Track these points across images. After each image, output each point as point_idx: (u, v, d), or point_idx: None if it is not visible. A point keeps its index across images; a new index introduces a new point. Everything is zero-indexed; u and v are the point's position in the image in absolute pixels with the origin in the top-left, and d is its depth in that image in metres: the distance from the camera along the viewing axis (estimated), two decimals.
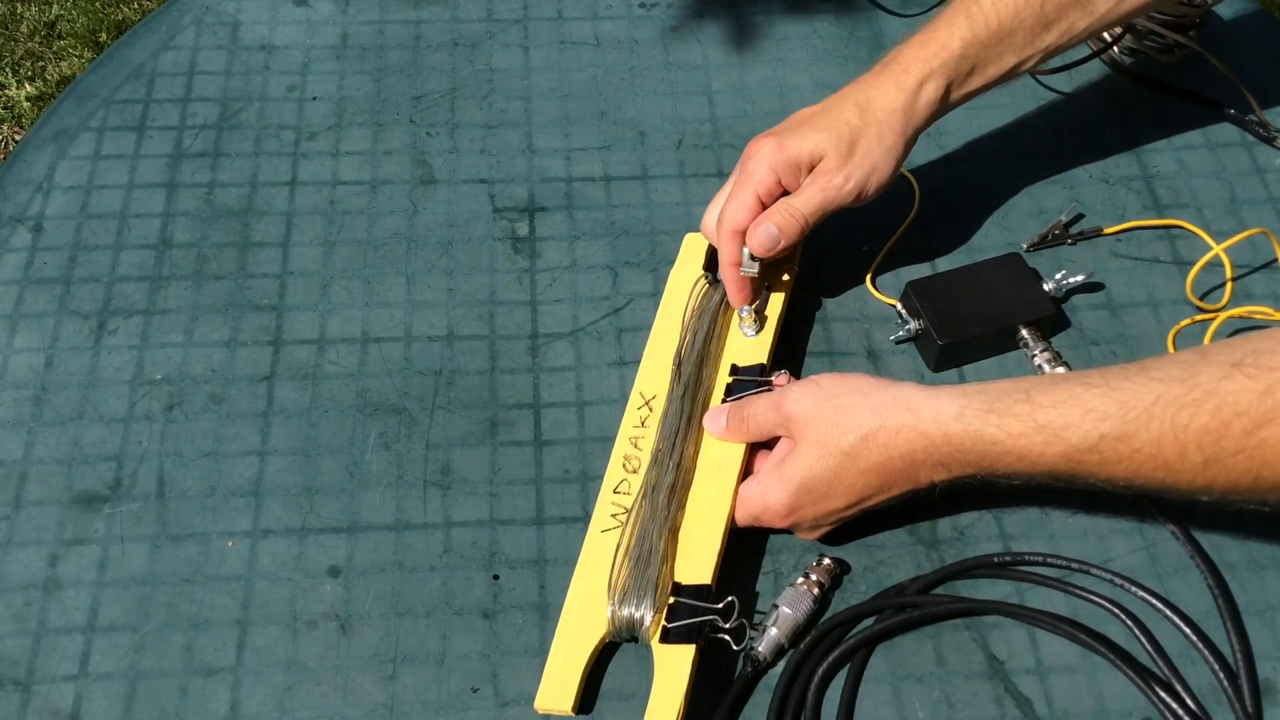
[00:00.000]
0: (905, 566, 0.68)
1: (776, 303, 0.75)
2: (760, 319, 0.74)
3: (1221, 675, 0.63)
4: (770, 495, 0.64)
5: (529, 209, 0.82)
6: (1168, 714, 0.62)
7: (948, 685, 0.64)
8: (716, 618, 0.63)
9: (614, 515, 0.67)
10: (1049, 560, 0.67)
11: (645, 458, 0.69)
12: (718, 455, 0.68)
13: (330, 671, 0.64)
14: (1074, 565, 0.67)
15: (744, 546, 0.68)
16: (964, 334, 0.73)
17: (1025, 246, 0.80)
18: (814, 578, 0.65)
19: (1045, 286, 0.75)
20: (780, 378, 0.71)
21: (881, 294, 0.78)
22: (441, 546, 0.68)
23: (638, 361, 0.75)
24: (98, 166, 0.83)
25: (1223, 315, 0.77)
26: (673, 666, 0.61)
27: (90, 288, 0.77)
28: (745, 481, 0.67)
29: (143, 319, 0.76)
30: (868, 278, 0.79)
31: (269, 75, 0.89)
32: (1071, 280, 0.76)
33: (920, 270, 0.79)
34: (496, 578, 0.67)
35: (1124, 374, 0.55)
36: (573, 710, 0.61)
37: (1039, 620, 0.65)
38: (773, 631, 0.64)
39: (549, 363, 0.75)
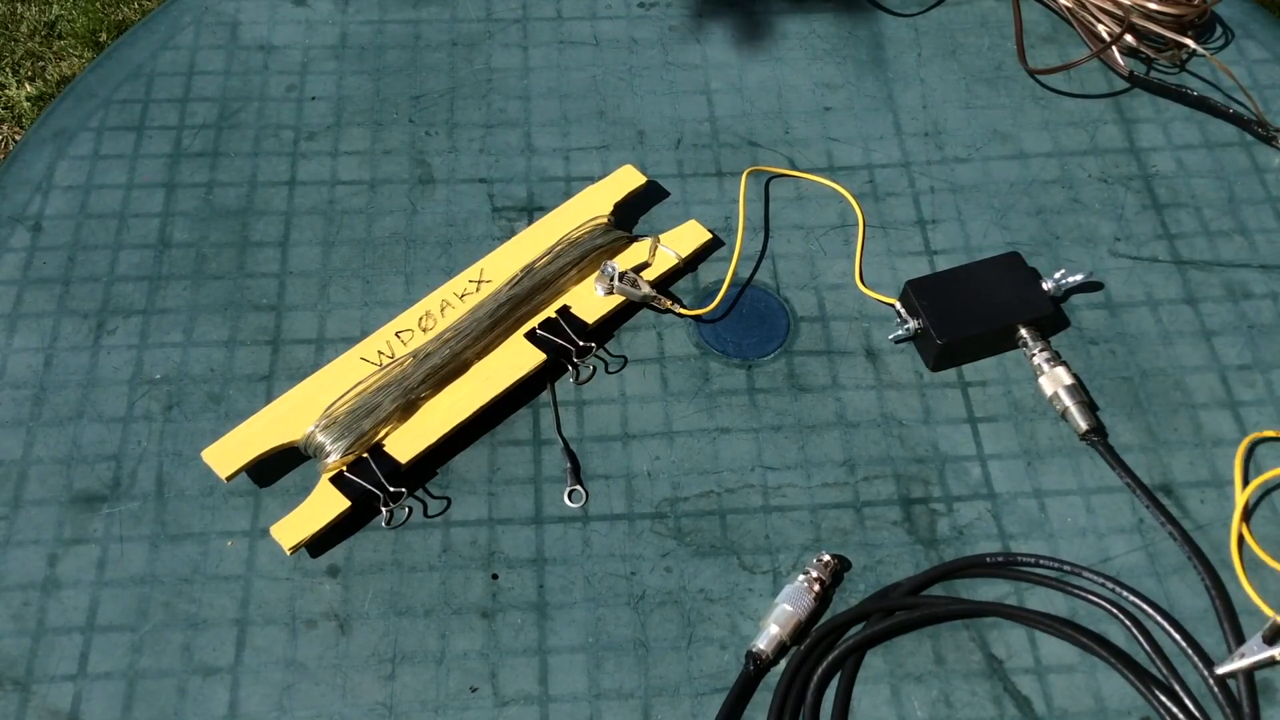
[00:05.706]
0: (905, 566, 0.68)
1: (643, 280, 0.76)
2: (618, 286, 0.75)
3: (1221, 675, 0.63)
4: None
5: (528, 208, 0.82)
6: (1166, 714, 0.62)
7: (947, 685, 0.64)
8: (382, 494, 0.68)
9: (380, 352, 0.72)
10: (1041, 562, 0.67)
11: (444, 325, 0.73)
12: (496, 367, 0.72)
13: (329, 671, 0.64)
14: (1066, 568, 0.67)
15: (744, 545, 0.68)
16: (963, 333, 0.73)
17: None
18: (814, 574, 0.65)
19: (1044, 286, 0.75)
20: None
21: (879, 293, 0.78)
22: (440, 546, 0.68)
23: (639, 361, 0.75)
24: (97, 166, 0.83)
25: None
26: (326, 503, 0.67)
27: (89, 287, 0.77)
28: None
29: (142, 319, 0.76)
30: (856, 277, 0.79)
31: (268, 75, 0.89)
32: (1071, 280, 0.76)
33: (920, 269, 0.79)
34: (495, 577, 0.67)
35: None
36: (226, 474, 0.67)
37: (1038, 622, 0.65)
38: (774, 629, 0.64)
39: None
